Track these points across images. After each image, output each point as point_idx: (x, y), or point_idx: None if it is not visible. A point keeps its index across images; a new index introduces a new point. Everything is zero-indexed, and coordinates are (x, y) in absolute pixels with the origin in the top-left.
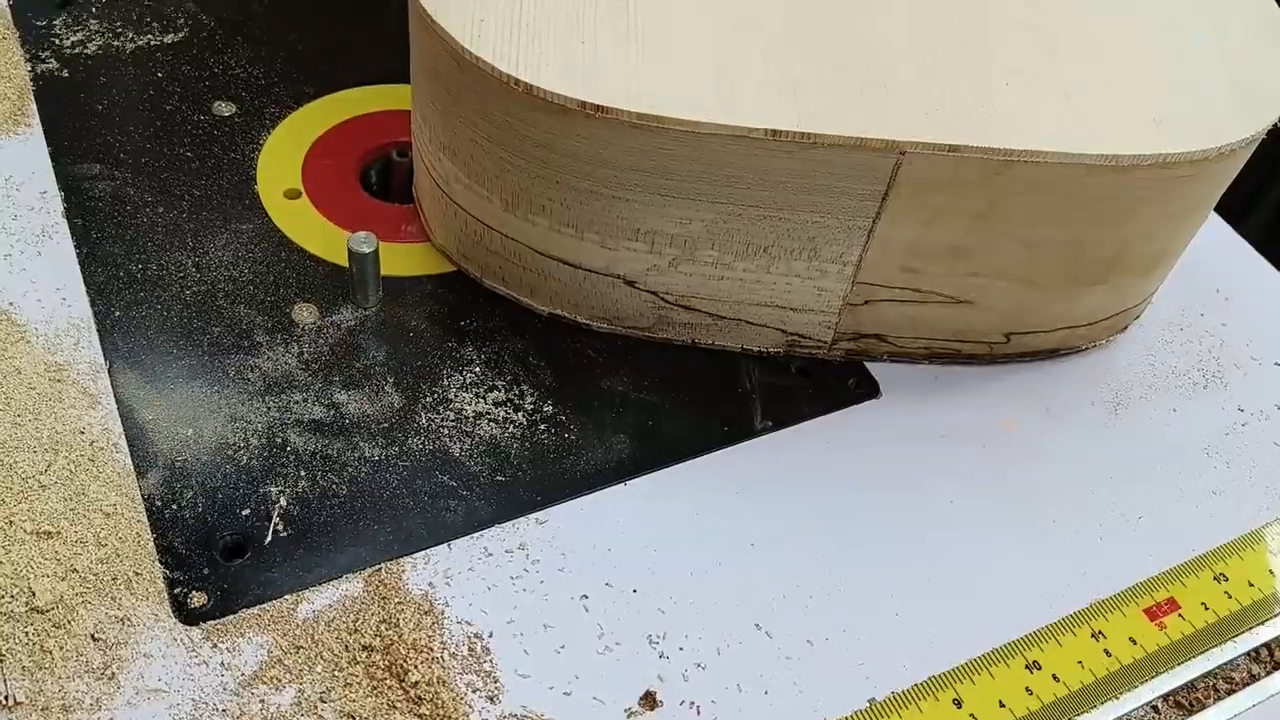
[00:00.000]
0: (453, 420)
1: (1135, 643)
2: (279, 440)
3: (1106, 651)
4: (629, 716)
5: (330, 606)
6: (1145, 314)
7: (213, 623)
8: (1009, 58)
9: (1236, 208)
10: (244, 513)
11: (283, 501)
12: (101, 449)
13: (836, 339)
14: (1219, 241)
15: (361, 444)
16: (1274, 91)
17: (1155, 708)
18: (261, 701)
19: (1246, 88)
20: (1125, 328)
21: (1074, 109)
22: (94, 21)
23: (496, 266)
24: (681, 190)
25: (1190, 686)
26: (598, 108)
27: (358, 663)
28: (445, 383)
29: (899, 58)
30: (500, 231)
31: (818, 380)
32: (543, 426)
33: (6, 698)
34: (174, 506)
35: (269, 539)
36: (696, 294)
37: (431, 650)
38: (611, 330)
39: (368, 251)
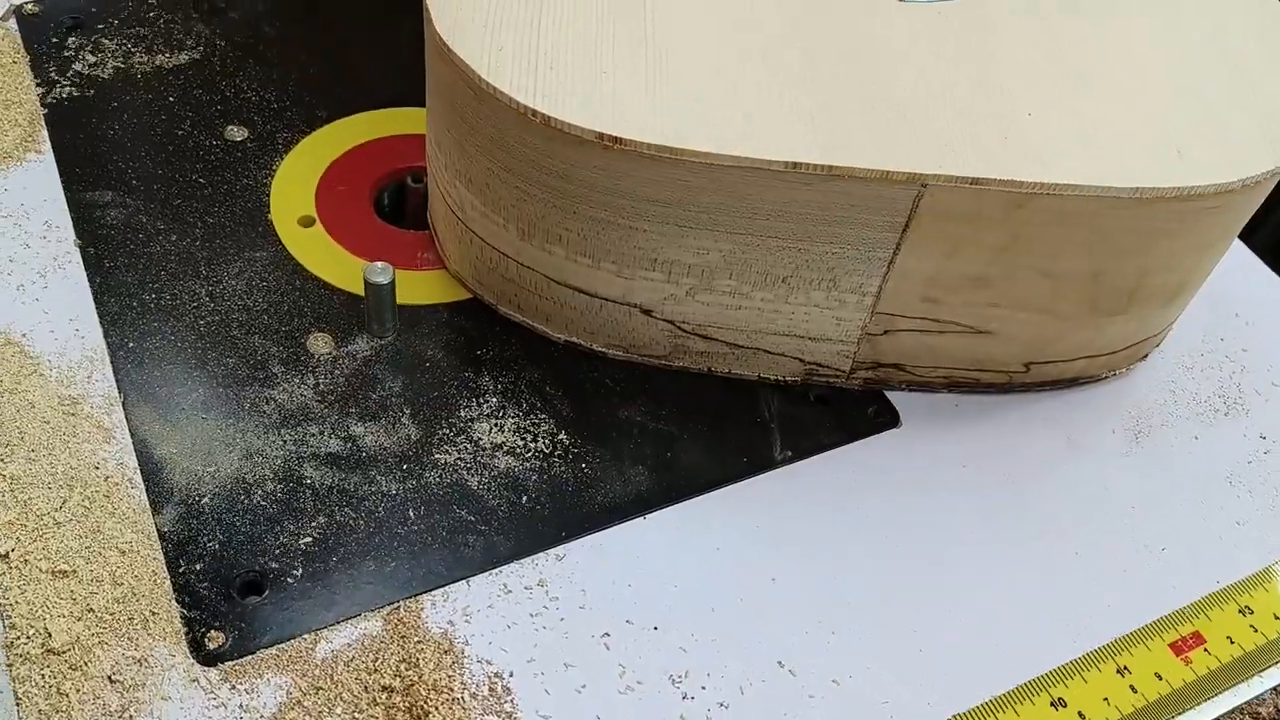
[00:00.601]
0: (470, 452)
1: (1161, 678)
2: (296, 474)
3: (1132, 688)
4: None
5: (349, 645)
6: (1166, 340)
7: (231, 663)
8: (1030, 90)
9: (1253, 223)
10: (261, 549)
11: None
12: (117, 484)
13: (855, 368)
14: (1239, 266)
15: (379, 478)
16: None
17: None
18: None
19: (1272, 119)
20: (1145, 356)
21: (1096, 141)
22: (105, 44)
23: (512, 294)
24: (699, 221)
25: None
26: (615, 139)
27: (378, 704)
28: (462, 414)
29: (919, 89)
30: (516, 260)
31: (837, 409)
32: (560, 458)
33: None
34: (190, 543)
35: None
36: (714, 323)
37: (452, 690)
38: (627, 358)
39: (384, 282)
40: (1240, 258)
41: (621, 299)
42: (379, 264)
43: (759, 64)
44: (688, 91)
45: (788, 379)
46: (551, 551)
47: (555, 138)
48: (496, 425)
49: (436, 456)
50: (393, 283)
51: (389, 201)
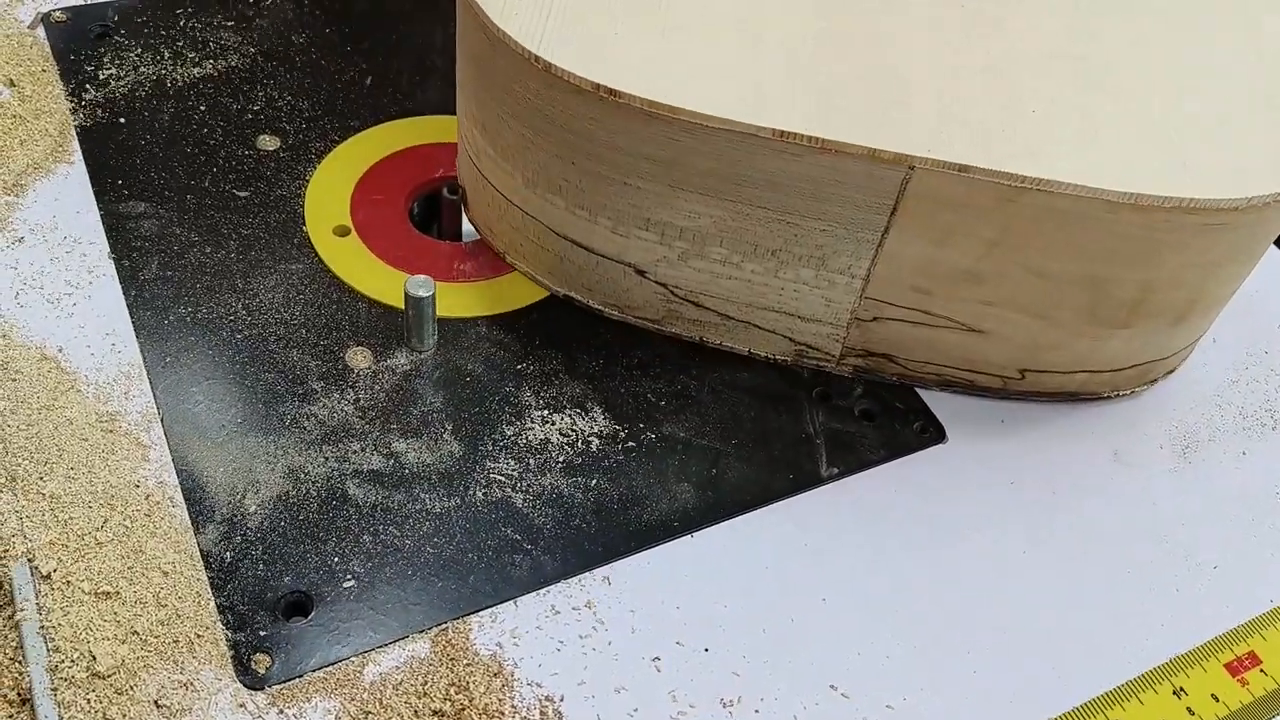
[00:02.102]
0: (514, 469)
1: (1218, 700)
2: (339, 492)
3: (1190, 710)
4: None
5: (398, 668)
6: (1209, 352)
7: (278, 687)
8: (1040, 86)
9: None
10: (306, 569)
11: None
12: (158, 503)
13: (845, 354)
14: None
15: (422, 495)
16: None
17: None
18: None
19: None
20: (1154, 380)
21: (1099, 142)
22: (134, 53)
23: (519, 243)
24: (691, 183)
25: None
26: (612, 91)
27: None
28: (504, 429)
29: (925, 76)
30: (522, 208)
31: (882, 424)
32: (604, 475)
33: None
34: (234, 563)
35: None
36: (706, 291)
37: (503, 715)
38: (623, 319)
39: (426, 295)
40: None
41: (617, 257)
42: (420, 277)
43: (768, 37)
44: (692, 54)
45: (778, 357)
46: (599, 571)
47: (556, 85)
48: (539, 441)
49: (480, 473)
50: (433, 296)
51: (424, 210)
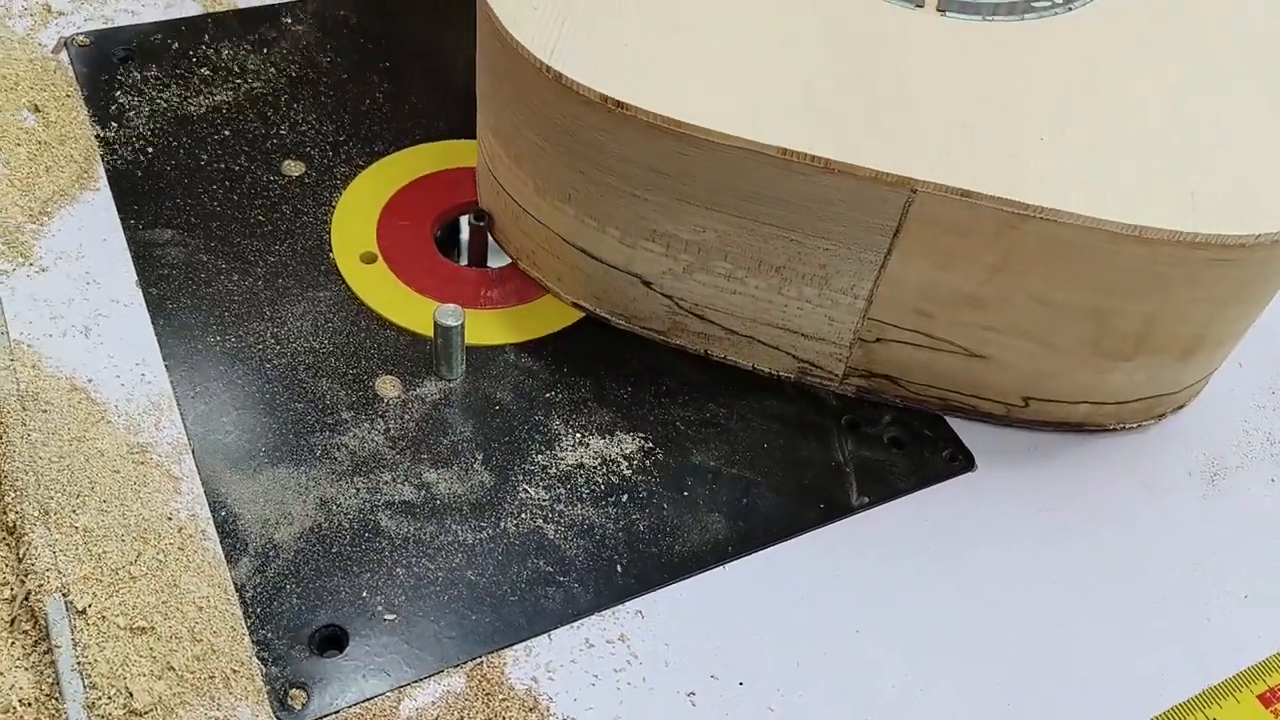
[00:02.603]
0: (545, 499)
1: None
2: (371, 524)
3: None
4: None
5: (434, 704)
6: (1236, 376)
7: None
8: (1050, 115)
9: None
10: (340, 602)
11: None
12: (190, 536)
13: (848, 373)
14: None
15: (454, 526)
16: None
17: None
18: None
19: None
20: (1162, 415)
21: (1105, 173)
22: (158, 76)
23: (530, 250)
24: (697, 197)
25: None
26: (619, 103)
27: None
28: (535, 458)
29: (934, 100)
30: (534, 215)
31: (911, 452)
32: (635, 505)
33: None
34: (268, 597)
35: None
36: (710, 305)
37: None
38: (630, 329)
39: (455, 325)
40: None
41: (624, 267)
42: (449, 306)
43: (781, 56)
44: (702, 70)
45: (781, 374)
46: (632, 604)
47: (566, 95)
48: (570, 470)
49: (511, 504)
50: (463, 325)
51: (442, 235)
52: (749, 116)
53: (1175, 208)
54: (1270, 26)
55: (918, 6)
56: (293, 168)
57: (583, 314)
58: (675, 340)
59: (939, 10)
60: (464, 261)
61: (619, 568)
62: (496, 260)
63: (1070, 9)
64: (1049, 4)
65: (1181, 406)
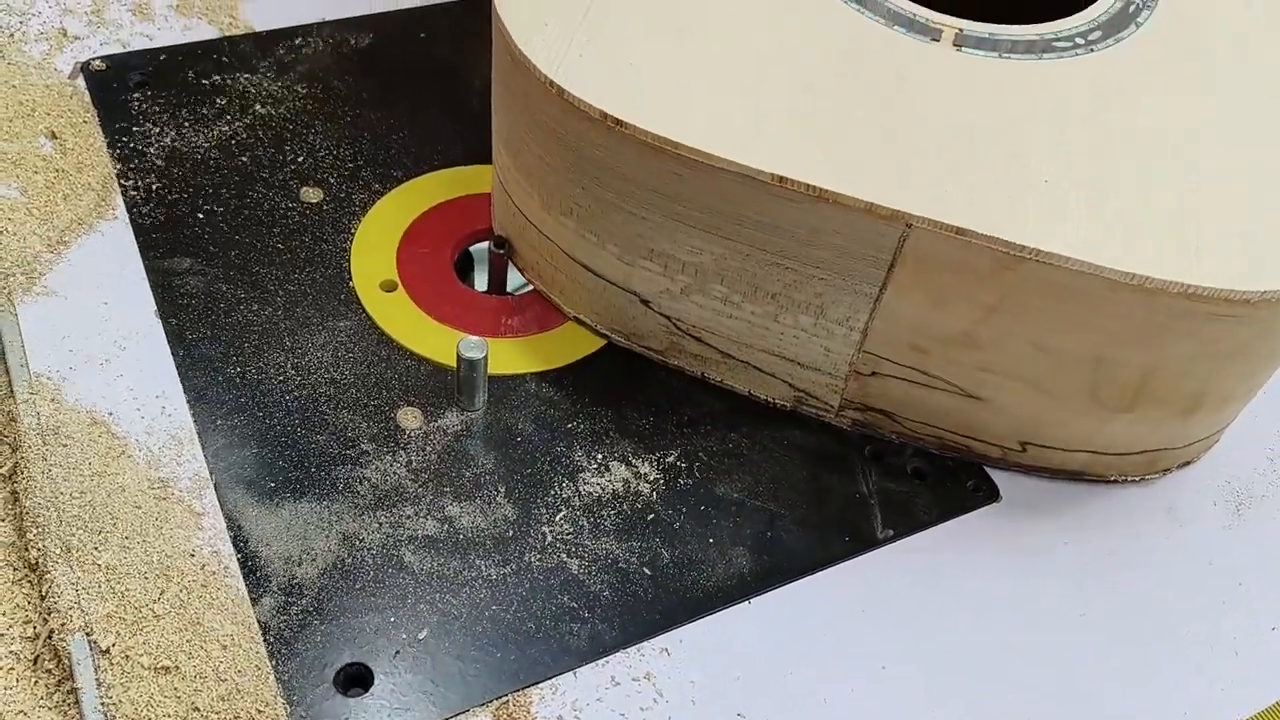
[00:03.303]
0: (568, 532)
1: None
2: (395, 559)
3: None
4: None
5: None
6: (1260, 404)
7: None
8: (1057, 156)
9: None
10: (364, 640)
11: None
12: (213, 573)
13: (844, 405)
14: None
15: (478, 561)
16: None
17: None
18: None
19: None
20: (1167, 470)
21: (1110, 218)
22: (174, 102)
23: (535, 262)
24: (694, 219)
25: None
26: (618, 121)
27: None
28: (557, 491)
29: (938, 136)
30: (538, 228)
31: (935, 483)
32: (659, 538)
33: None
34: (292, 635)
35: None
36: (707, 327)
37: None
38: (628, 346)
39: (478, 357)
40: None
41: (623, 284)
42: (473, 339)
43: (787, 83)
44: (706, 93)
45: (777, 401)
46: (657, 640)
47: (569, 112)
48: (592, 503)
49: (534, 538)
50: (485, 358)
51: (460, 261)
52: (746, 141)
53: (1179, 258)
54: None
55: (933, 40)
56: (311, 194)
57: (603, 342)
58: (673, 361)
59: (955, 45)
60: (482, 287)
61: (644, 604)
62: (514, 280)
63: (1093, 50)
64: (1070, 44)
65: (1189, 463)
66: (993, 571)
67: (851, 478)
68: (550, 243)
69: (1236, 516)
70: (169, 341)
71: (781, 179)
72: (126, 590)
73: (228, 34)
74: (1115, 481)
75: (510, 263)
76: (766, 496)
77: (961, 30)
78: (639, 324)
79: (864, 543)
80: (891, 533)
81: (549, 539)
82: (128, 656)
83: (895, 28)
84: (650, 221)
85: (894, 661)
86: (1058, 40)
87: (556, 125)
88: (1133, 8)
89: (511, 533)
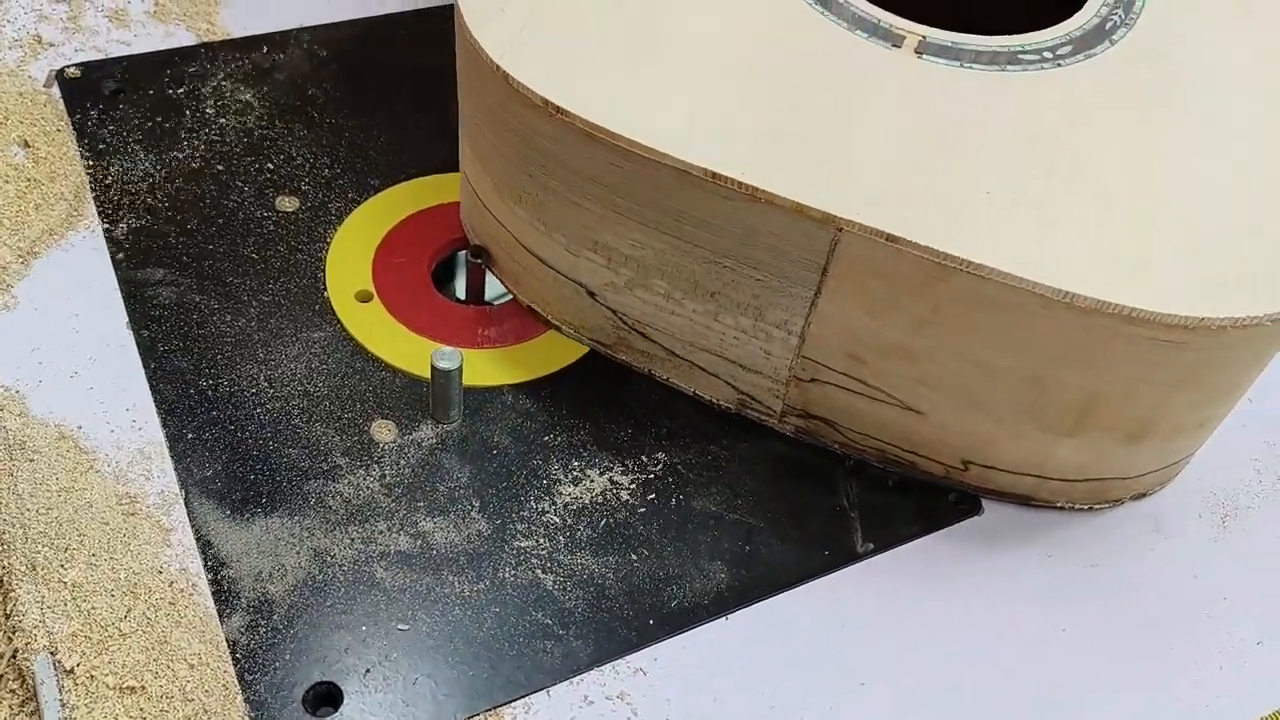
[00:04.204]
0: (543, 547)
1: None
2: (366, 575)
3: None
4: None
5: None
6: (1246, 414)
7: None
8: (1006, 170)
9: None
10: (335, 658)
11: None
12: (181, 590)
13: (786, 411)
14: None
15: (451, 578)
16: None
17: None
18: None
19: (1272, 265)
20: (1119, 500)
21: (1051, 234)
22: (149, 109)
23: (493, 249)
24: (633, 212)
25: None
26: (558, 109)
27: None
28: (533, 505)
29: (885, 143)
30: (494, 214)
31: (916, 496)
32: (635, 553)
33: None
34: (260, 653)
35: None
36: (651, 323)
37: None
38: (578, 338)
39: (452, 368)
40: None
41: (570, 274)
42: (446, 350)
43: (737, 81)
44: (651, 87)
45: (721, 403)
46: (632, 658)
47: (514, 97)
48: (569, 517)
49: (509, 553)
50: (460, 369)
51: (446, 270)
52: (684, 136)
53: (1117, 279)
54: (1264, 104)
55: (894, 47)
56: (287, 203)
57: (582, 353)
58: (620, 356)
59: (916, 53)
60: (461, 295)
61: (619, 620)
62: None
63: (1060, 65)
64: (1036, 58)
65: (1144, 495)
66: (974, 586)
67: (832, 490)
68: (503, 229)
69: (1222, 529)
70: (140, 353)
71: (715, 175)
72: (93, 609)
73: (205, 40)
74: (1062, 509)
75: (489, 271)
76: (745, 510)
77: (925, 38)
78: (587, 316)
79: (844, 557)
80: (872, 546)
81: (523, 554)
82: (93, 676)
83: (857, 32)
84: (594, 213)
85: (872, 679)
86: (1024, 53)
87: (505, 111)
88: (1109, 25)
89: (485, 548)
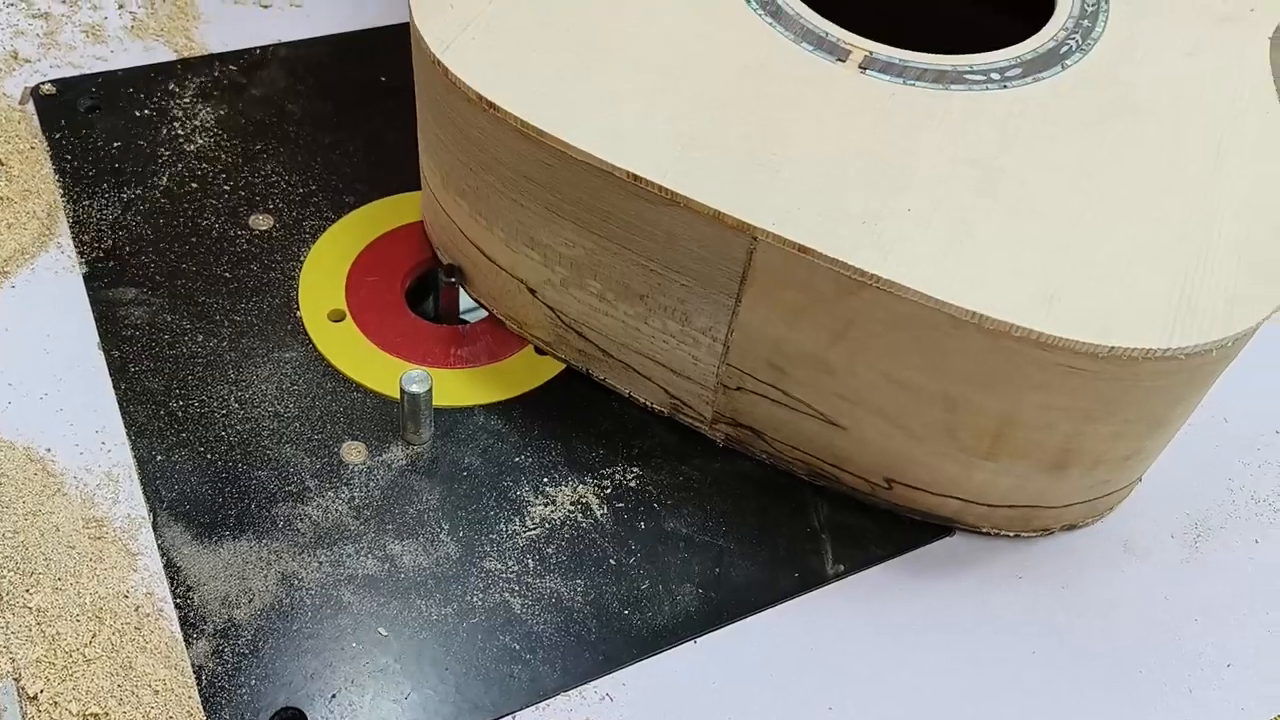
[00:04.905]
0: (512, 570)
1: None
2: (334, 599)
3: None
4: None
5: None
6: (1219, 433)
7: None
8: (932, 188)
9: None
10: (300, 683)
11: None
12: (147, 615)
13: (716, 418)
14: None
15: (419, 602)
16: (1225, 313)
17: None
18: None
19: (1190, 298)
20: (1047, 530)
21: (967, 254)
22: (124, 127)
23: (445, 242)
24: (566, 211)
25: None
26: (490, 104)
27: None
28: (502, 527)
29: (811, 156)
30: (442, 206)
31: (887, 517)
32: (605, 575)
33: None
34: (226, 679)
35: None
36: (586, 323)
37: None
38: (520, 334)
39: (422, 391)
40: None
41: (510, 270)
42: (416, 372)
43: (673, 88)
44: (588, 88)
45: (655, 406)
46: (600, 682)
47: (452, 91)
48: (538, 539)
49: (477, 576)
50: (429, 392)
51: (420, 287)
52: (611, 138)
53: (1028, 304)
54: (1202, 136)
55: (839, 60)
56: (261, 221)
57: (555, 373)
58: (560, 354)
59: (860, 68)
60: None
61: (587, 644)
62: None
63: (1005, 86)
64: (983, 79)
65: (1074, 526)
66: (945, 607)
67: (803, 511)
68: (452, 223)
69: (1194, 550)
70: (111, 374)
71: (636, 177)
72: (57, 634)
73: (183, 56)
74: (988, 534)
75: (462, 289)
76: (715, 531)
77: (871, 53)
78: (528, 313)
79: (814, 579)
80: (842, 568)
81: (492, 577)
82: (56, 703)
83: (803, 45)
84: (529, 210)
85: (841, 702)
86: (970, 73)
87: (446, 106)
88: (1065, 49)
89: (454, 571)
